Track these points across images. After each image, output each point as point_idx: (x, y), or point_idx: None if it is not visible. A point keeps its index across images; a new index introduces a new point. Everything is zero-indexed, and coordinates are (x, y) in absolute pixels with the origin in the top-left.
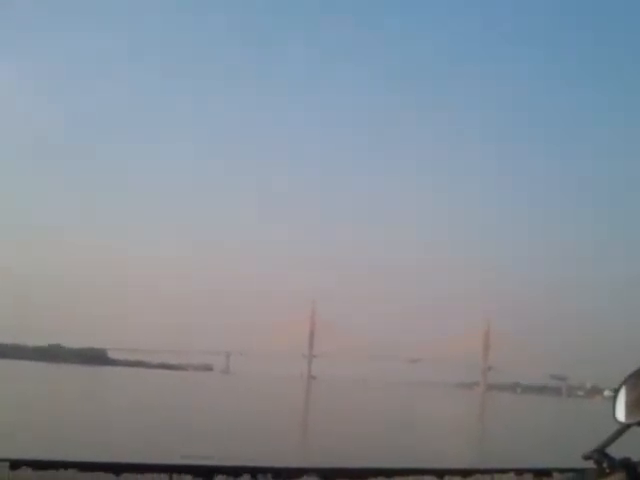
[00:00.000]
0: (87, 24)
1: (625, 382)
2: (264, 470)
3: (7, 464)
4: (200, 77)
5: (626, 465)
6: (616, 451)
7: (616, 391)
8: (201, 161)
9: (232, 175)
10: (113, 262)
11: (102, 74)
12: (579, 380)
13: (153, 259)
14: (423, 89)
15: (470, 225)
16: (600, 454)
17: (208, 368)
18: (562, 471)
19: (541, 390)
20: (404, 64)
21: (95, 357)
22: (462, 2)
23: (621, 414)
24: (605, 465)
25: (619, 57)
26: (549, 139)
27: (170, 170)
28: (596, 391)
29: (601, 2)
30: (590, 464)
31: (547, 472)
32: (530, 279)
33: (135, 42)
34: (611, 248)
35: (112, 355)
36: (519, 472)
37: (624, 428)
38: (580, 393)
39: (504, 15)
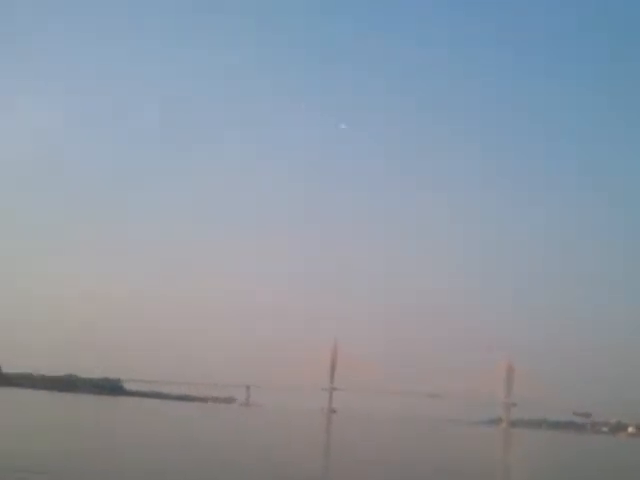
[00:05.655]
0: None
1: None
2: None
3: None
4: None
5: None
6: None
7: None
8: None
9: (242, 206)
10: (130, 296)
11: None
12: (604, 416)
13: (173, 293)
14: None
15: (492, 259)
16: None
17: (230, 401)
18: None
19: (566, 426)
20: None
21: (110, 387)
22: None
23: None
24: None
25: None
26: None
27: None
28: (620, 427)
29: None
30: None
31: None
32: (556, 314)
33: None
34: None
35: (127, 386)
36: None
37: None
38: (604, 429)
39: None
